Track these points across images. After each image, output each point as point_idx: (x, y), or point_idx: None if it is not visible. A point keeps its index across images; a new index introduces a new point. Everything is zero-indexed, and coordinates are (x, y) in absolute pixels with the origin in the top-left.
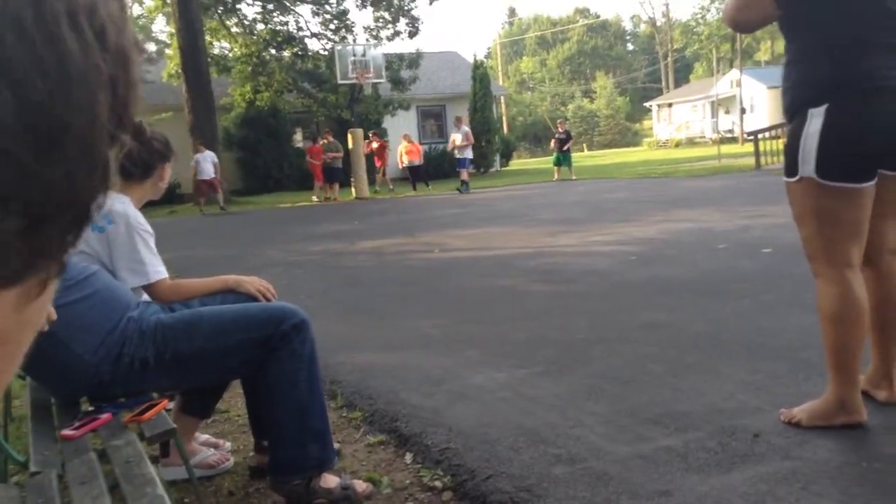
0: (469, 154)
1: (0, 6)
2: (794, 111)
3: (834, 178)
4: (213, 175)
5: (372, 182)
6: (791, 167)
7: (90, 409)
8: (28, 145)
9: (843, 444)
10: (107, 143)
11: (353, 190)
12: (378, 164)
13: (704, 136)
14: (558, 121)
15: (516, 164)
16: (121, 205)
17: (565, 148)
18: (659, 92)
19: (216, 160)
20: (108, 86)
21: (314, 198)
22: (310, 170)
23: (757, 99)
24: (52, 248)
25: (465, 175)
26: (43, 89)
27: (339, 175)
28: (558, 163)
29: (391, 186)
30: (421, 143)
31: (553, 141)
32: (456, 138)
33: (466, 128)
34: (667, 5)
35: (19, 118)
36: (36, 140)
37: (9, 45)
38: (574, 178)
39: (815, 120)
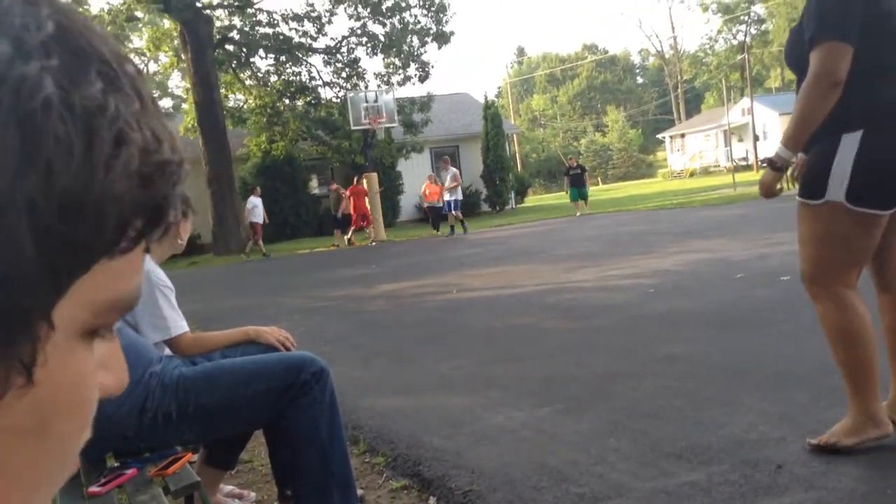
0: (459, 195)
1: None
2: (823, 135)
3: (862, 205)
4: (263, 219)
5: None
6: (816, 190)
7: (116, 464)
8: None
9: (867, 473)
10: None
11: (369, 233)
12: (354, 213)
13: (719, 165)
14: (569, 157)
15: (532, 200)
16: None
17: (586, 184)
18: (671, 123)
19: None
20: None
21: (342, 240)
22: (351, 212)
23: (769, 126)
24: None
25: (458, 216)
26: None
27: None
28: (576, 198)
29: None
30: (435, 184)
31: (567, 178)
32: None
33: (454, 169)
34: (674, 38)
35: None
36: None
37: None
38: (579, 213)
39: (849, 145)
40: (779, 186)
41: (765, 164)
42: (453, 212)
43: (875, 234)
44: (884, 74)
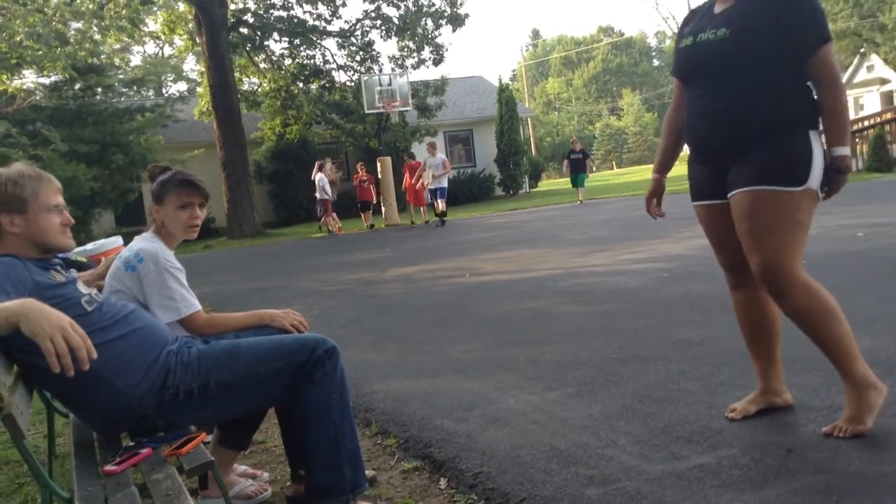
0: (445, 183)
1: None
2: (788, 129)
3: (821, 192)
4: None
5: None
6: (798, 177)
7: (131, 444)
8: None
9: (877, 456)
10: None
11: (383, 217)
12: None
13: None
14: (572, 139)
15: (545, 184)
16: (150, 244)
17: (587, 170)
18: None
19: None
20: None
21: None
22: (409, 192)
23: None
24: None
25: (442, 205)
26: None
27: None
28: (576, 184)
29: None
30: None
31: (566, 162)
32: (432, 168)
33: (443, 155)
34: None
35: None
36: None
37: None
38: (580, 200)
39: (817, 140)
40: None
41: (841, 171)
42: (437, 200)
43: None
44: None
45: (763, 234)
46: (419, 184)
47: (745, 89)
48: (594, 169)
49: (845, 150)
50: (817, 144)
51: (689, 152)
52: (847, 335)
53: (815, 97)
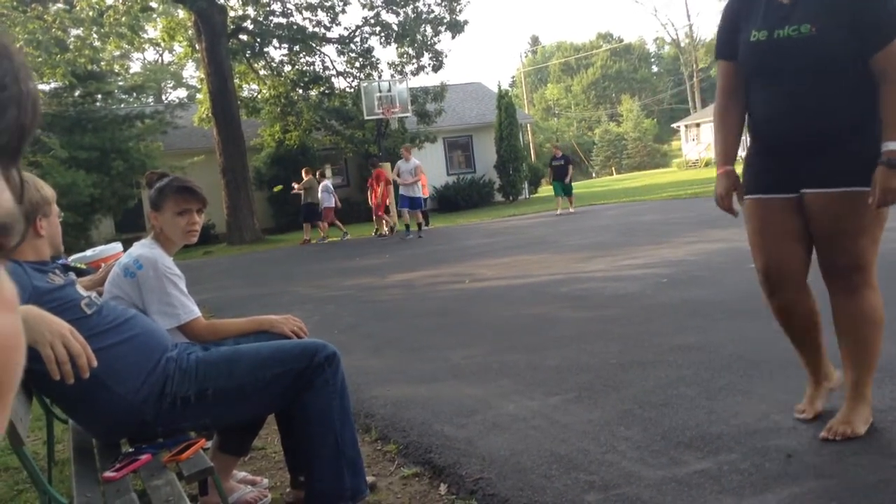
0: (418, 192)
1: None
2: (869, 122)
3: None
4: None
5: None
6: (869, 176)
7: (130, 450)
8: None
9: (878, 461)
10: None
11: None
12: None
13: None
14: (554, 145)
15: (545, 190)
16: (149, 250)
17: (567, 179)
18: (686, 112)
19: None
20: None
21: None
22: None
23: None
24: None
25: (420, 216)
26: None
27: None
28: (559, 192)
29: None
30: (448, 174)
31: (549, 169)
32: (404, 174)
33: (416, 161)
34: (690, 26)
35: None
36: None
37: None
38: (572, 210)
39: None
40: None
41: (886, 162)
42: (409, 210)
43: None
44: None
45: (855, 234)
46: (382, 187)
47: (835, 87)
48: (593, 175)
49: (891, 147)
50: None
51: (750, 144)
52: (880, 351)
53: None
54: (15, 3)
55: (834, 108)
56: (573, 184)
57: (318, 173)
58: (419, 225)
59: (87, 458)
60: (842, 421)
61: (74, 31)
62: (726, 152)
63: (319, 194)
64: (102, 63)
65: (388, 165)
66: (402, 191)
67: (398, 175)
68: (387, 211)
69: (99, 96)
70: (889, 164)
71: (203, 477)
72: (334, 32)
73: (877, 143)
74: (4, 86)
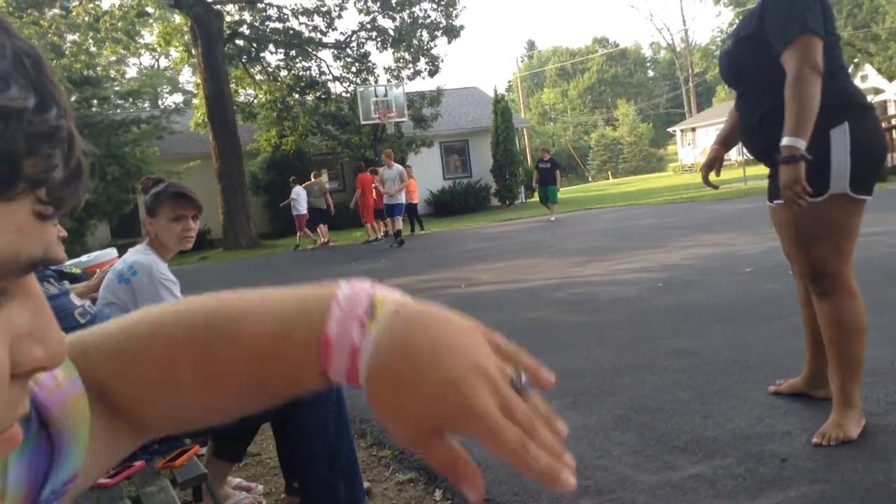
0: (402, 199)
1: None
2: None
3: (861, 192)
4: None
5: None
6: (819, 186)
7: None
8: None
9: (871, 466)
10: None
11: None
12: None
13: (729, 159)
14: (542, 148)
15: None
16: (144, 256)
17: (557, 182)
18: (682, 117)
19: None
20: None
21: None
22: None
23: None
24: None
25: (399, 223)
26: None
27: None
28: (545, 198)
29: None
30: (445, 179)
31: (536, 171)
32: (388, 182)
33: (399, 167)
34: (686, 31)
35: None
36: None
37: None
38: (553, 218)
39: (840, 139)
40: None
41: (780, 159)
42: (393, 219)
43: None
44: (842, 71)
45: (804, 244)
46: (373, 196)
47: (763, 103)
48: (590, 179)
49: (786, 143)
50: (838, 143)
51: None
52: (861, 358)
53: (827, 92)
54: (11, 9)
55: (763, 125)
56: (558, 189)
57: (312, 176)
58: (398, 232)
59: None
60: (833, 425)
61: (70, 37)
62: (723, 135)
63: (296, 201)
64: (98, 68)
65: (382, 170)
66: (386, 199)
67: (382, 184)
68: (378, 216)
69: (95, 102)
70: (783, 160)
71: (197, 483)
72: (330, 37)
73: (819, 152)
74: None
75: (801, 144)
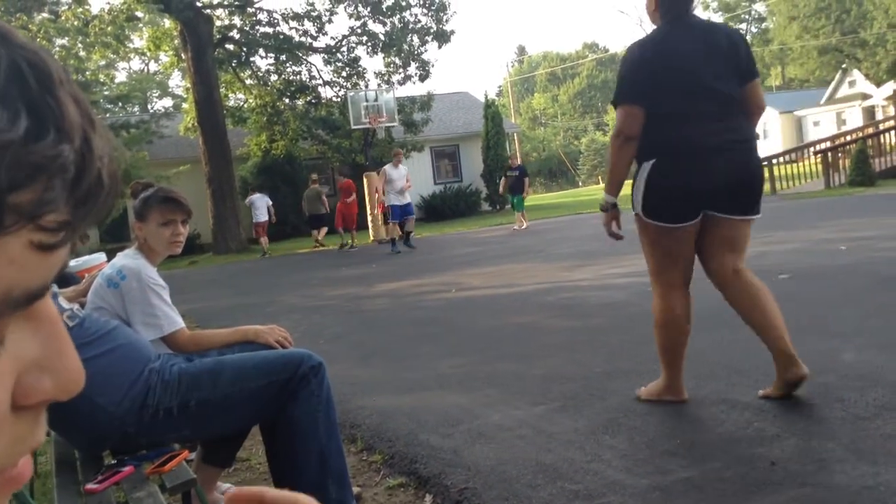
0: (408, 198)
1: None
2: (637, 162)
3: (654, 218)
4: (265, 218)
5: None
6: (633, 205)
7: (112, 462)
8: None
9: (860, 469)
10: None
11: (370, 233)
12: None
13: None
14: (510, 156)
15: (532, 199)
16: (133, 261)
17: (524, 193)
18: None
19: (269, 203)
20: None
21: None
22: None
23: (770, 125)
24: None
25: (411, 224)
26: None
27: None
28: (517, 207)
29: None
30: (435, 183)
31: (503, 181)
32: (397, 181)
33: (404, 168)
34: None
35: None
36: None
37: None
38: (520, 227)
39: (645, 171)
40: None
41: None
42: (408, 219)
43: (683, 240)
44: (672, 118)
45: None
46: (378, 198)
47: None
48: (580, 184)
49: (602, 197)
50: (642, 174)
51: None
52: (671, 349)
53: (651, 132)
54: None
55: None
56: (525, 198)
57: (310, 182)
58: (407, 236)
59: (69, 471)
60: (647, 387)
61: (59, 41)
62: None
63: (254, 208)
64: (88, 73)
65: (373, 175)
66: (393, 200)
67: (388, 181)
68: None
69: None
70: (601, 208)
71: (186, 489)
72: (321, 42)
73: (635, 176)
74: None
75: (610, 199)
